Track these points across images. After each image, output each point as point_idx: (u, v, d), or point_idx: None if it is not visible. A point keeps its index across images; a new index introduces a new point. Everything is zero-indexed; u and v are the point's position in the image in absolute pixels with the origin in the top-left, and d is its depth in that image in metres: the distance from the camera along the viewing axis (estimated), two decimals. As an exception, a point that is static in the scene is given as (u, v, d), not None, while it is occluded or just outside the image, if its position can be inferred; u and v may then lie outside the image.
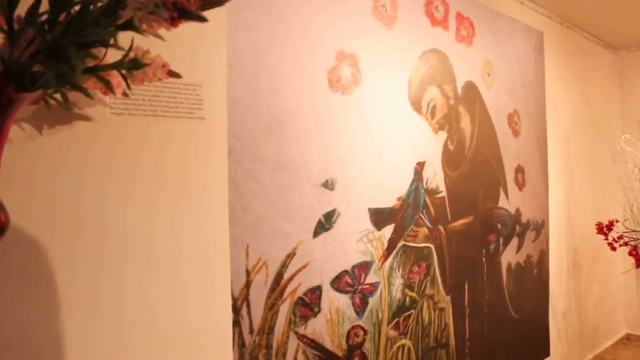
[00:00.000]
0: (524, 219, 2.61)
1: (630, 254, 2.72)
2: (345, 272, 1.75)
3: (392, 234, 1.92)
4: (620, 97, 3.59)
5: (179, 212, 1.29)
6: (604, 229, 2.72)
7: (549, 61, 2.84)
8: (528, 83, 2.66)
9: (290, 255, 1.57)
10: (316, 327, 1.64)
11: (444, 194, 2.15)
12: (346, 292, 1.75)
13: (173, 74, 0.99)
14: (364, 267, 1.83)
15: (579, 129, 3.10)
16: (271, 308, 1.51)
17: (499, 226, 2.45)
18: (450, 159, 2.18)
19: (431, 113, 2.09)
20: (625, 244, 2.71)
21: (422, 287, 2.04)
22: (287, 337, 1.56)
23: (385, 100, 1.90)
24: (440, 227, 2.13)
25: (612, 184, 2.86)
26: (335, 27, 1.71)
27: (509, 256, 2.52)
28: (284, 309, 1.55)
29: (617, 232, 2.72)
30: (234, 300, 1.42)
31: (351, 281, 1.78)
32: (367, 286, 1.84)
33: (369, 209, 1.85)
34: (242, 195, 1.44)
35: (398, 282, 1.95)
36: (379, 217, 1.88)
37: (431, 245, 2.09)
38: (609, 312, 3.47)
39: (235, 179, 1.43)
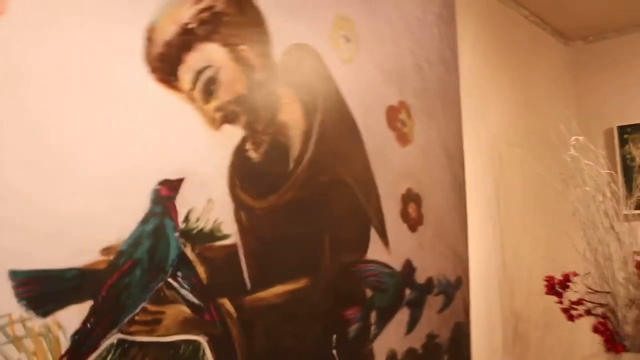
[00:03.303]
0: (420, 278, 1.62)
1: (595, 330, 1.73)
2: None
3: (85, 322, 0.94)
4: (575, 99, 2.64)
5: None
6: (555, 287, 1.75)
7: (465, 38, 1.90)
8: (428, 64, 1.71)
9: None
10: None
11: (234, 240, 1.17)
12: None
13: None
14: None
15: (518, 139, 2.13)
16: None
17: (368, 292, 1.46)
18: (251, 176, 1.21)
19: (204, 90, 1.13)
20: (588, 312, 1.73)
21: None
22: None
23: (76, 57, 0.95)
24: (225, 301, 1.14)
25: (567, 219, 1.88)
26: None
27: (392, 340, 1.51)
28: None
29: (576, 292, 1.75)
30: None
31: None
32: None
33: (14, 274, 0.87)
34: None
35: (104, 418, 0.95)
36: (46, 289, 0.91)
37: (199, 339, 1.09)
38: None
39: None
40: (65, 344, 0.92)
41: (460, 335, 1.75)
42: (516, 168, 2.10)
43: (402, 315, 1.55)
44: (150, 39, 1.05)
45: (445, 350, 1.68)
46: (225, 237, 1.15)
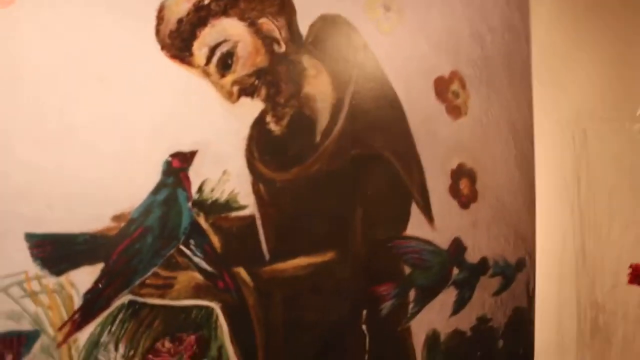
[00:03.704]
0: (472, 257, 1.53)
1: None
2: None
3: (97, 283, 1.02)
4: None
5: None
6: (640, 277, 1.57)
7: (541, 1, 1.72)
8: (490, 32, 1.58)
9: None
10: None
11: (251, 211, 1.19)
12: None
13: None
14: (14, 341, 0.97)
15: (607, 113, 1.88)
16: None
17: (407, 270, 1.41)
18: (272, 149, 1.22)
19: (220, 65, 1.16)
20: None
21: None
22: None
23: (88, 40, 1.03)
24: (241, 270, 1.18)
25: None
26: None
27: (435, 320, 1.45)
28: None
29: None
30: None
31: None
32: (20, 380, 0.97)
33: (30, 236, 0.97)
34: None
35: (114, 372, 1.04)
36: (58, 251, 1.00)
37: (213, 305, 1.14)
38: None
39: None
40: (78, 302, 1.01)
41: (521, 321, 1.63)
42: (604, 145, 1.87)
43: (448, 296, 1.47)
44: (161, 18, 1.09)
45: (501, 335, 1.58)
46: (241, 207, 1.17)
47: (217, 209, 1.15)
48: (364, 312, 1.34)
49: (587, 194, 1.82)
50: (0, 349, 0.95)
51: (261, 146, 1.20)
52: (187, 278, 1.11)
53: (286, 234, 1.23)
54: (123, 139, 1.06)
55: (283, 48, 1.23)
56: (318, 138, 1.27)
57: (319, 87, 1.28)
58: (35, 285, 0.98)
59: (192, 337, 1.12)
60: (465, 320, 1.50)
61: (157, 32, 1.09)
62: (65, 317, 1.00)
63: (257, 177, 1.19)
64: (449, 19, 1.48)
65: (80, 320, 1.01)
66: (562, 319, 1.75)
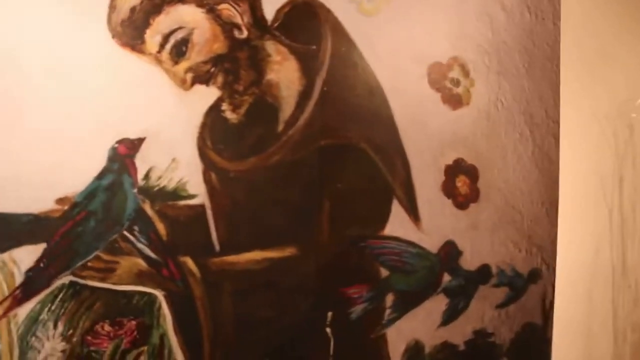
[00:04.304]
0: (469, 264, 1.38)
1: None
2: None
3: (38, 262, 1.07)
4: None
5: None
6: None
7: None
8: (504, 12, 1.41)
9: None
10: None
11: (201, 200, 1.17)
12: None
13: None
14: (-47, 314, 1.05)
15: None
16: None
17: (383, 271, 1.31)
18: (226, 137, 1.19)
19: (174, 52, 1.15)
20: None
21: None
22: None
23: (39, 26, 1.07)
24: (188, 260, 1.17)
25: None
26: None
27: (418, 329, 1.34)
28: None
29: None
30: None
31: None
32: (-42, 349, 1.05)
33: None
34: None
35: (52, 347, 1.08)
36: (3, 229, 1.06)
37: (156, 292, 1.15)
38: None
39: None
40: (19, 279, 1.06)
41: (532, 340, 1.44)
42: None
43: (436, 304, 1.35)
44: (113, 7, 1.10)
45: (505, 352, 1.41)
46: (190, 197, 1.16)
47: (164, 197, 1.15)
48: (329, 314, 1.26)
49: (632, 198, 1.56)
50: (-59, 318, 1.03)
51: (215, 135, 1.18)
52: (130, 264, 1.12)
53: (239, 225, 1.20)
54: (70, 125, 1.08)
55: (244, 34, 1.19)
56: (281, 127, 1.22)
57: (284, 74, 1.22)
58: (-35, 262, 1.04)
59: (133, 323, 1.13)
60: (458, 333, 1.37)
61: (109, 20, 1.10)
62: (7, 293, 1.05)
63: (208, 166, 1.17)
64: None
65: (21, 297, 1.06)
66: (592, 341, 1.52)
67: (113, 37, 1.11)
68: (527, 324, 1.43)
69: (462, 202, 1.36)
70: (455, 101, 1.35)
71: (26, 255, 1.06)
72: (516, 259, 1.41)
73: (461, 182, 1.36)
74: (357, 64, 1.27)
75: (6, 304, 1.05)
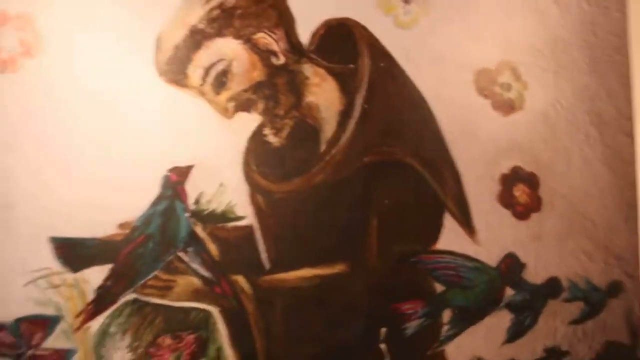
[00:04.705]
0: (534, 277, 1.30)
1: None
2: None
3: (106, 280, 1.21)
4: None
5: None
6: None
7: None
8: (557, 6, 1.32)
9: None
10: None
11: (249, 221, 1.24)
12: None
13: None
14: (41, 323, 1.20)
15: None
16: None
17: (439, 287, 1.28)
18: (270, 161, 1.25)
19: (215, 84, 1.24)
20: None
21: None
22: None
23: (92, 71, 1.22)
24: (240, 278, 1.24)
25: None
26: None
27: (480, 346, 1.28)
28: None
29: None
30: None
31: (10, 341, 1.19)
32: (47, 353, 1.20)
33: (53, 239, 1.20)
34: None
35: (121, 357, 1.21)
36: (74, 252, 1.21)
37: (211, 308, 1.23)
38: None
39: None
40: (90, 296, 1.19)
41: (616, 360, 1.31)
42: None
43: (499, 320, 1.28)
44: (159, 47, 1.21)
45: (583, 374, 1.30)
46: (238, 218, 1.23)
47: (214, 220, 1.22)
48: (383, 330, 1.26)
49: None
50: (33, 327, 1.18)
51: (259, 158, 1.24)
52: (186, 282, 1.21)
53: (287, 244, 1.24)
54: (126, 157, 1.20)
55: (282, 60, 1.24)
56: (323, 147, 1.25)
57: (322, 95, 1.25)
58: (57, 280, 1.18)
59: (191, 337, 1.21)
60: (526, 350, 1.29)
61: (156, 60, 1.21)
62: (81, 308, 1.19)
63: (254, 189, 1.23)
64: None
65: (93, 311, 1.19)
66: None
67: (160, 75, 1.21)
68: (611, 343, 1.31)
69: (521, 211, 1.29)
70: (507, 106, 1.29)
71: (95, 275, 1.19)
72: (590, 270, 1.30)
73: (520, 191, 1.29)
74: (397, 77, 1.27)
75: (81, 317, 1.18)
